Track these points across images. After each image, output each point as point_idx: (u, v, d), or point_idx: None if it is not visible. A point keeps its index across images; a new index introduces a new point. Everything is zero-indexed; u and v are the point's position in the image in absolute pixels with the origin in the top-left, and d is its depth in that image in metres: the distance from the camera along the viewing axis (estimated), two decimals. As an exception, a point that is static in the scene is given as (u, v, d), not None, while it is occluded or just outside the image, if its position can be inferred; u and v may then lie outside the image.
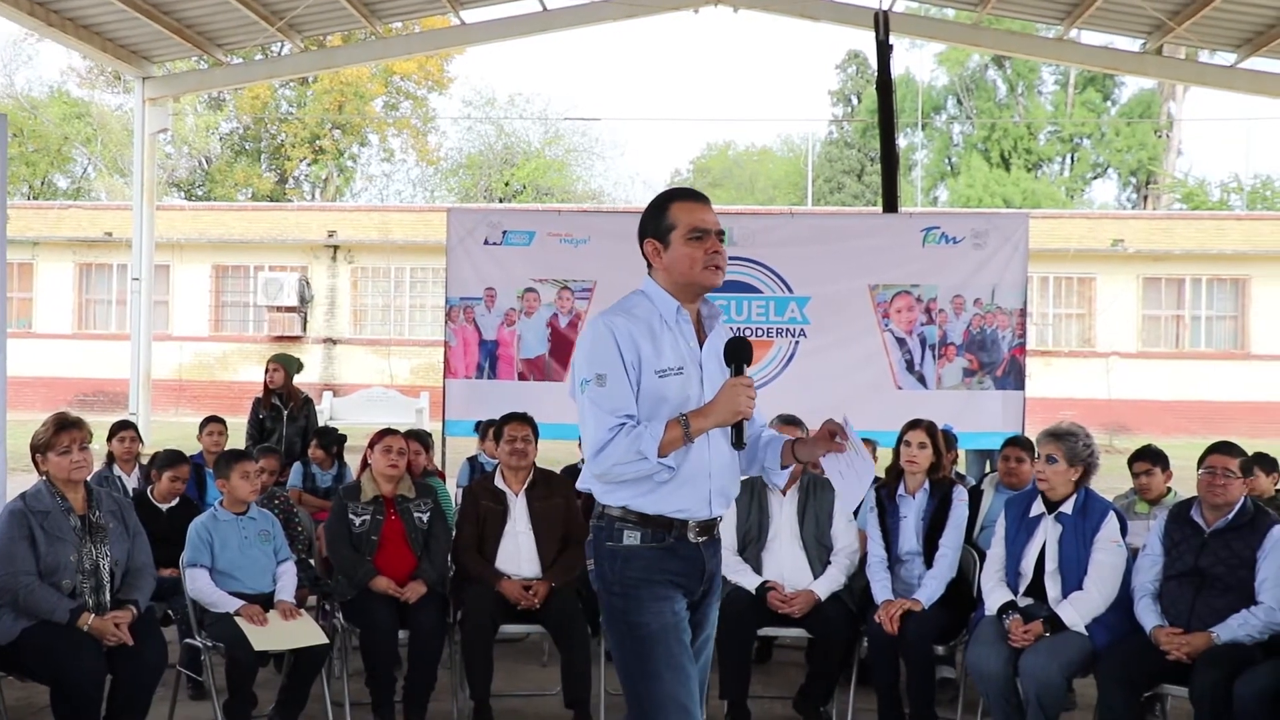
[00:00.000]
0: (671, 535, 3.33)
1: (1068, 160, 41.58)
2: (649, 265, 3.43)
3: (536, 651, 6.69)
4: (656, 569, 3.32)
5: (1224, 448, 4.99)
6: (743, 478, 3.64)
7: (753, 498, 5.69)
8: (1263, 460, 6.77)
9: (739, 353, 3.27)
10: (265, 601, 5.31)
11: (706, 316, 3.45)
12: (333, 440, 7.76)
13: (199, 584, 5.24)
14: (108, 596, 4.79)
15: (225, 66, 16.50)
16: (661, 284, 3.40)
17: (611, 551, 3.34)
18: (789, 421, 5.83)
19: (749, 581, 5.53)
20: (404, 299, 26.17)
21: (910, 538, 5.54)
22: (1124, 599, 4.95)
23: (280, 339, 25.01)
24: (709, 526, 3.40)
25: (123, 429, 7.38)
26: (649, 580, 3.32)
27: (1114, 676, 4.69)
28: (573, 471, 7.65)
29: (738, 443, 3.27)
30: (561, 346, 8.86)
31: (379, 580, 5.51)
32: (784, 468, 3.49)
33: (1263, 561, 4.73)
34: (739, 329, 8.66)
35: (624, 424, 3.21)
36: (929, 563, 5.48)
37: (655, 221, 3.40)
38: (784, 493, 5.62)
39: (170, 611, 5.68)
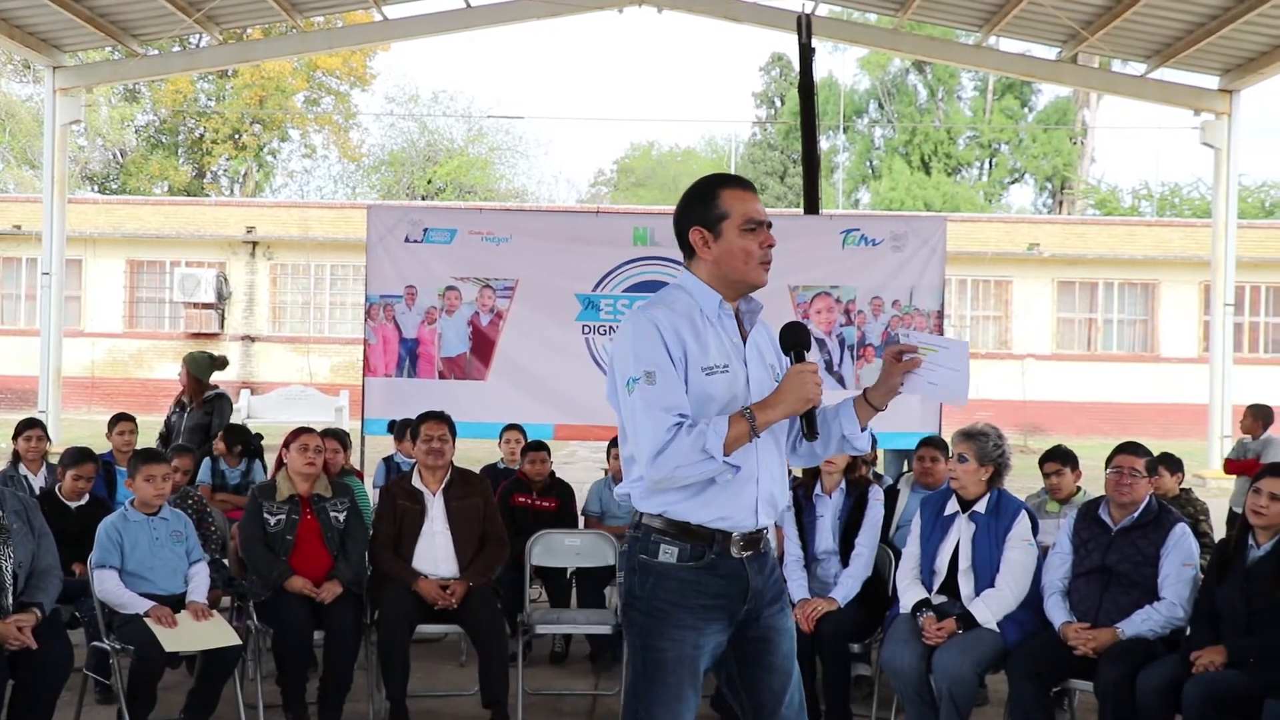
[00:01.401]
0: (713, 550, 3.09)
1: (986, 165, 42.23)
2: (688, 257, 3.19)
3: (454, 651, 6.65)
4: (691, 592, 3.09)
5: (1130, 448, 5.10)
6: (822, 460, 3.40)
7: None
8: (1169, 460, 6.92)
9: (798, 338, 3.08)
10: (177, 603, 5.22)
11: (746, 312, 3.20)
12: (238, 438, 7.61)
13: (107, 585, 5.14)
14: (10, 600, 4.68)
15: (141, 58, 16.19)
16: (703, 277, 3.15)
17: (645, 566, 3.12)
18: None
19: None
20: (324, 296, 25.88)
21: (826, 537, 5.60)
22: (1034, 596, 5.04)
23: (197, 336, 24.61)
24: (754, 539, 3.14)
25: (29, 427, 7.20)
26: (679, 606, 3.09)
27: (1024, 672, 4.77)
28: (492, 471, 7.64)
29: (810, 433, 3.07)
30: (483, 345, 8.82)
31: (294, 580, 5.45)
32: (863, 429, 3.23)
33: (1165, 559, 4.86)
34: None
35: (681, 423, 2.97)
36: (845, 562, 5.54)
37: (703, 209, 3.14)
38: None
39: (77, 614, 5.56)
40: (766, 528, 3.19)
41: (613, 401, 3.16)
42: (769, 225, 3.12)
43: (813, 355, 8.75)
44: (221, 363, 8.89)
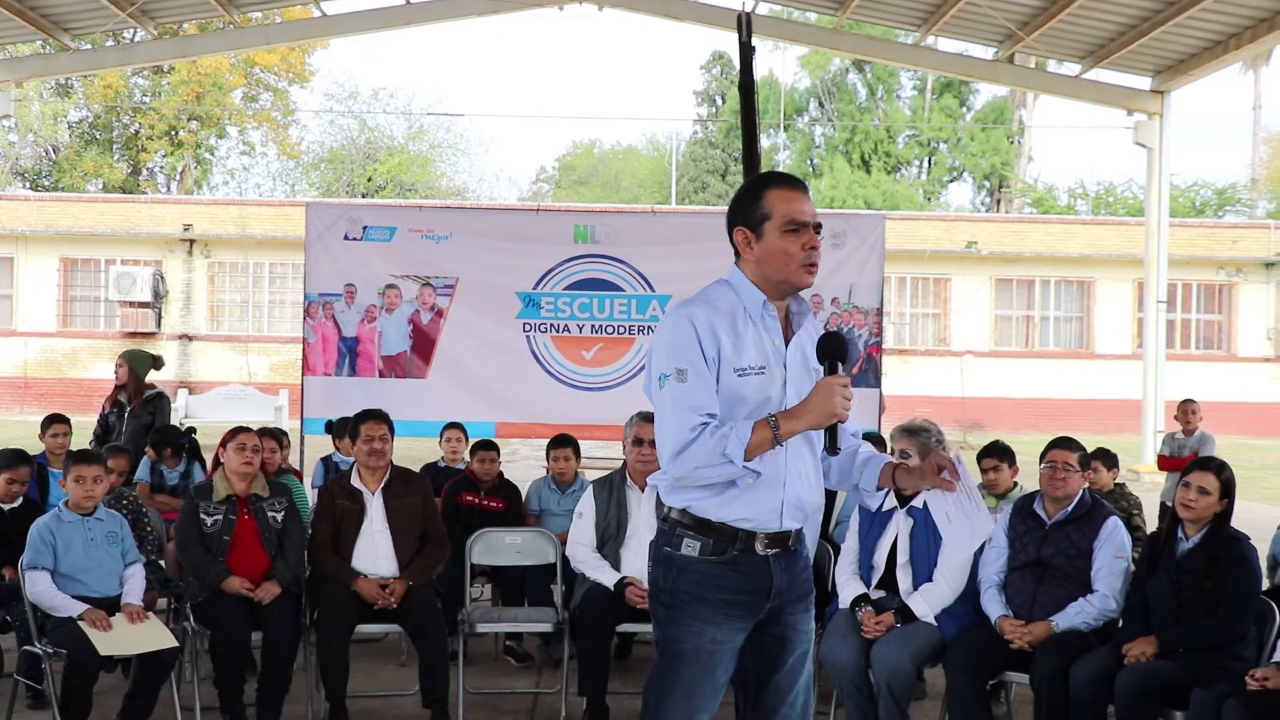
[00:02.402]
0: (735, 547, 3.09)
1: (925, 164, 42.65)
2: (736, 255, 3.18)
3: (394, 651, 6.61)
4: (712, 586, 3.10)
5: (1064, 443, 5.18)
6: (835, 486, 3.33)
7: (611, 494, 5.72)
8: (1104, 455, 7.04)
9: (834, 349, 3.03)
10: (112, 605, 5.14)
11: (795, 313, 3.19)
12: (167, 440, 7.50)
13: (39, 587, 5.05)
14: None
15: (73, 52, 15.89)
16: (749, 275, 3.14)
17: (669, 558, 3.14)
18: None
19: (607, 578, 5.54)
20: (263, 295, 25.62)
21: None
22: (972, 590, 5.10)
23: (133, 335, 24.26)
24: (782, 538, 3.13)
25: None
26: (699, 598, 3.10)
27: (961, 665, 4.83)
28: (432, 469, 7.60)
29: (831, 448, 3.02)
30: (423, 343, 8.79)
31: (231, 581, 5.38)
32: (879, 489, 3.22)
33: (1098, 552, 4.94)
34: (600, 326, 8.70)
35: (707, 423, 2.98)
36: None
37: (748, 208, 3.13)
38: (642, 489, 5.64)
39: (9, 617, 5.46)
40: (795, 529, 3.16)
41: (649, 393, 3.15)
42: (817, 227, 3.10)
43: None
44: (159, 362, 8.79)
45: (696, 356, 3.01)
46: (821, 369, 3.08)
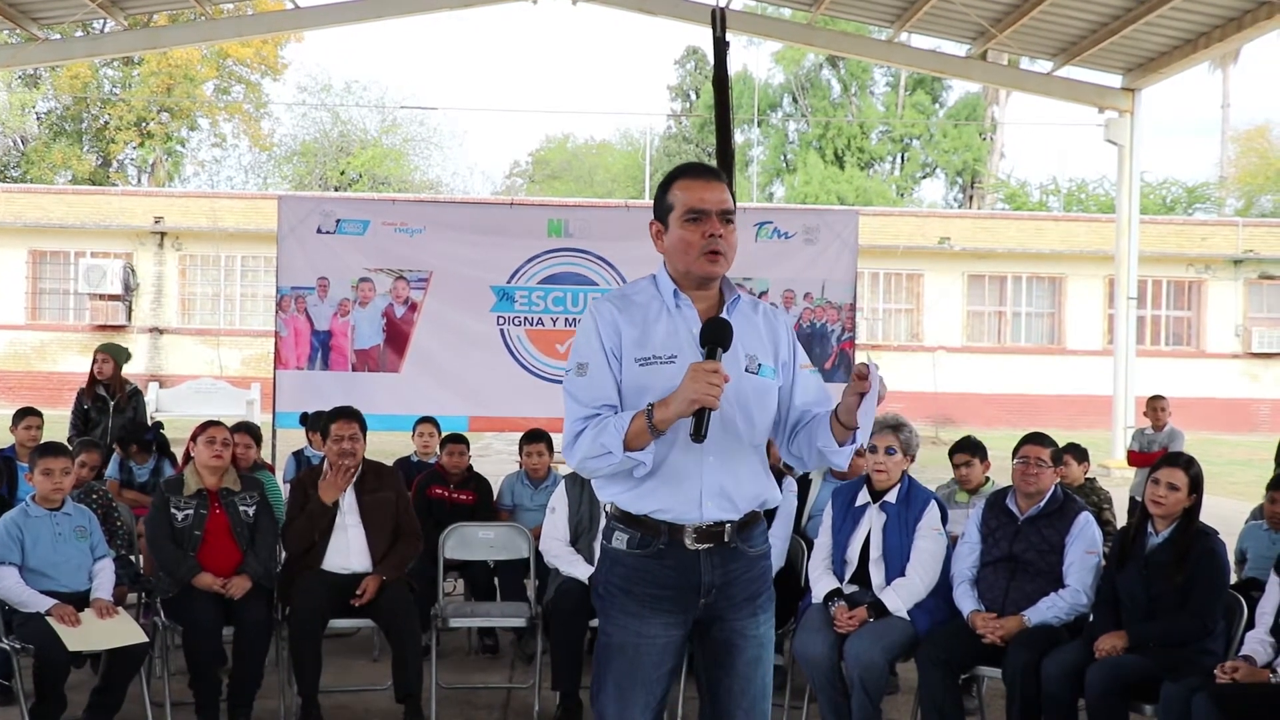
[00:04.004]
0: (660, 540, 3.04)
1: (898, 160, 42.80)
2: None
3: (367, 646, 6.59)
4: (638, 579, 3.06)
5: (1036, 438, 5.20)
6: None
7: (583, 489, 5.71)
8: (1076, 450, 7.08)
9: (713, 334, 2.93)
10: (81, 600, 5.10)
11: (731, 303, 3.13)
12: (132, 436, 7.45)
13: (7, 583, 5.00)
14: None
15: (41, 42, 15.73)
16: (666, 267, 3.14)
17: (604, 551, 3.14)
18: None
19: (581, 572, 5.54)
20: (235, 288, 25.47)
21: (740, 528, 5.61)
22: (944, 585, 5.12)
23: (103, 328, 24.08)
24: (712, 532, 3.04)
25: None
26: (626, 591, 3.07)
27: (933, 659, 4.85)
28: (405, 464, 7.58)
29: (695, 434, 2.87)
30: (397, 337, 8.76)
31: (203, 576, 5.34)
32: (841, 444, 3.05)
33: (1070, 547, 4.96)
34: (573, 319, 8.69)
35: (596, 415, 2.96)
36: (758, 552, 5.56)
37: (658, 202, 3.13)
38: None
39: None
40: (730, 522, 3.06)
41: None
42: (725, 215, 3.04)
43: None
44: (128, 355, 8.73)
45: (596, 350, 3.02)
46: (779, 355, 3.12)
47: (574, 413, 3.00)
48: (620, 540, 3.08)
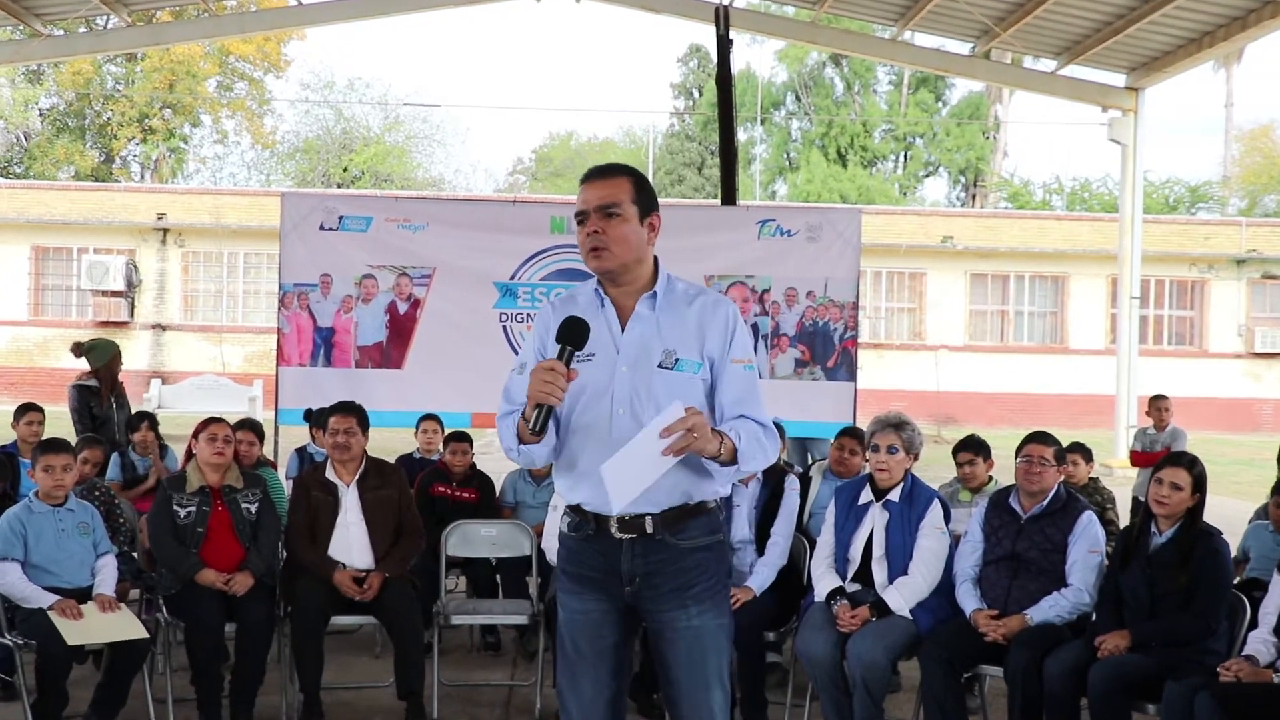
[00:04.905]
0: (589, 526, 3.19)
1: (901, 158, 42.76)
2: None
3: (369, 643, 6.59)
4: (573, 559, 3.24)
5: (1039, 437, 5.20)
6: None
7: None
8: (1081, 449, 7.08)
9: (566, 333, 3.05)
10: (83, 596, 5.10)
11: (651, 296, 3.19)
12: (142, 420, 7.51)
13: (10, 578, 5.00)
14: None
15: (45, 38, 15.72)
16: None
17: (560, 533, 3.33)
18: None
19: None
20: (237, 285, 25.48)
21: (743, 526, 5.62)
22: (947, 584, 5.11)
23: (106, 324, 24.09)
24: (635, 524, 3.13)
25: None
26: (564, 571, 3.27)
27: (936, 658, 4.84)
28: (407, 461, 7.57)
29: (533, 430, 3.00)
30: (400, 333, 8.75)
31: (205, 573, 5.34)
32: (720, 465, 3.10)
33: (1073, 546, 4.96)
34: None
35: (513, 412, 3.12)
36: (761, 551, 5.57)
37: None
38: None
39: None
40: (649, 514, 3.13)
41: None
42: (602, 209, 3.11)
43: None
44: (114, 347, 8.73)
45: (531, 351, 3.23)
46: (705, 349, 3.16)
47: (501, 409, 3.20)
48: (565, 524, 3.28)
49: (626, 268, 3.17)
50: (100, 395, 8.27)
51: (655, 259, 3.27)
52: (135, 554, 5.85)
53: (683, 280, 3.31)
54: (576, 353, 3.06)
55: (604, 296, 3.21)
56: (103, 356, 8.36)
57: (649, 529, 3.14)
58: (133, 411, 8.17)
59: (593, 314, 3.16)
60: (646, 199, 3.21)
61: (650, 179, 3.71)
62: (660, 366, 3.13)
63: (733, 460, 3.06)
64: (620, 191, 3.15)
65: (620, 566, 3.16)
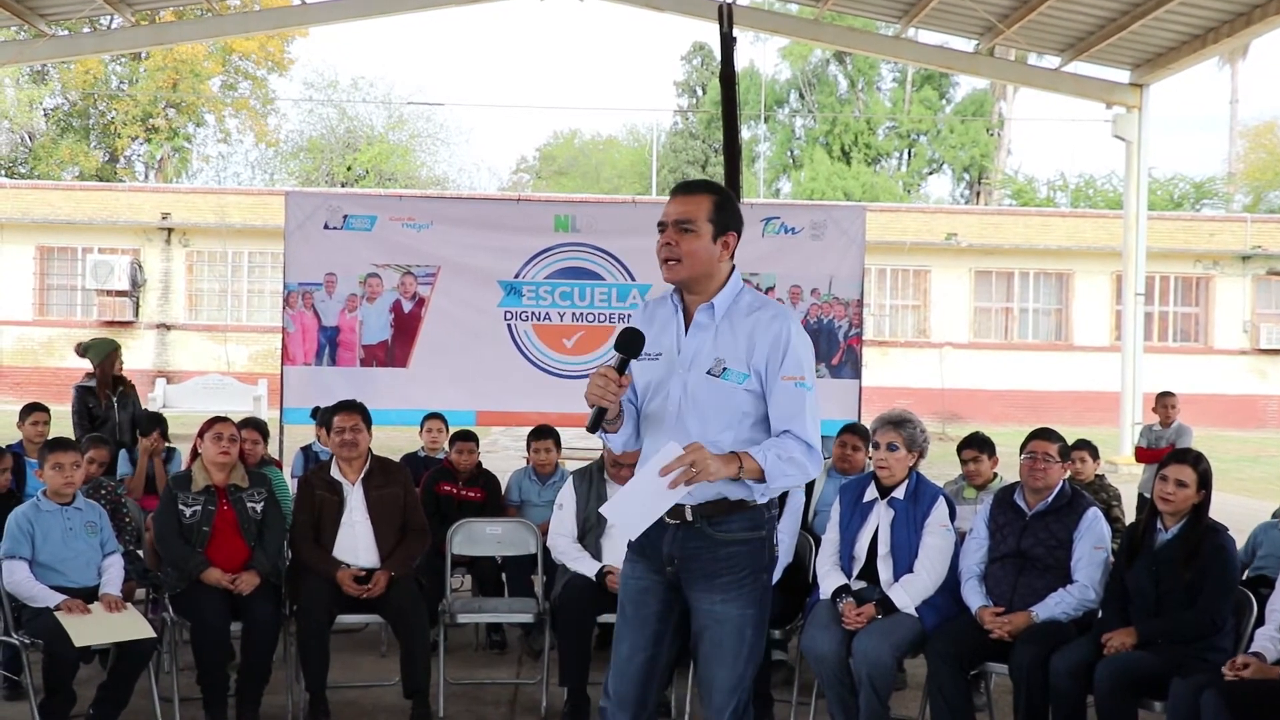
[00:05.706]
0: None
1: (905, 155, 42.72)
2: None
3: (375, 642, 6.60)
4: (641, 538, 3.45)
5: (1044, 434, 5.19)
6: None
7: (591, 486, 5.72)
8: (1088, 446, 7.07)
9: (621, 341, 3.31)
10: (90, 596, 5.10)
11: (707, 306, 3.42)
12: (154, 424, 7.51)
13: (17, 577, 5.01)
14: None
15: (49, 38, 15.73)
16: None
17: None
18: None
19: (588, 568, 5.54)
20: (242, 284, 25.50)
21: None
22: (952, 581, 5.11)
23: (111, 324, 24.13)
24: (678, 511, 3.36)
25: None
26: (630, 541, 3.52)
27: (942, 656, 4.84)
28: (412, 459, 7.58)
29: (590, 427, 3.34)
30: (405, 331, 8.75)
31: (211, 572, 5.34)
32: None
33: (1078, 542, 4.96)
34: (580, 314, 8.69)
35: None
36: (766, 548, 5.55)
37: None
38: (620, 482, 5.63)
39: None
40: (688, 505, 3.34)
41: None
42: (679, 223, 3.36)
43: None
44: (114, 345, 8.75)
45: None
46: (755, 359, 3.35)
47: None
48: None
49: (696, 279, 3.40)
50: (98, 394, 8.28)
51: (732, 270, 3.47)
52: (141, 553, 5.85)
53: (752, 293, 3.52)
54: (646, 351, 3.35)
55: (678, 303, 3.47)
56: (100, 353, 8.38)
57: (689, 517, 3.38)
58: (143, 411, 8.19)
59: (668, 317, 3.46)
60: (725, 218, 3.41)
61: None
62: (709, 374, 3.36)
63: (759, 478, 3.29)
64: (698, 209, 3.38)
65: (663, 548, 3.42)
